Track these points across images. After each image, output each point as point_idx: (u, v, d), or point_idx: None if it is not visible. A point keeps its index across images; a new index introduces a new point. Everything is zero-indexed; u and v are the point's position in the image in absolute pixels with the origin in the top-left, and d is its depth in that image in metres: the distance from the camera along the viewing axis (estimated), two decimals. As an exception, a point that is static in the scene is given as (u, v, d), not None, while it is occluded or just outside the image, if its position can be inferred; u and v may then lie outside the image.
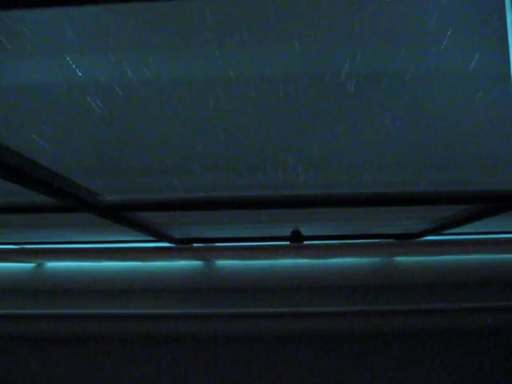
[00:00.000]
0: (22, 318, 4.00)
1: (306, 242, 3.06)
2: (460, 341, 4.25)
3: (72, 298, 4.14)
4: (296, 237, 2.91)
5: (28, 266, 4.02)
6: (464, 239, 3.13)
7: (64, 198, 1.51)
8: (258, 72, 1.03)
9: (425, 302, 4.24)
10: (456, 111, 1.30)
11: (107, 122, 1.31)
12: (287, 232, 3.10)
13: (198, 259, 3.84)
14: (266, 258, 3.89)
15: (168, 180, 1.76)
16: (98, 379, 4.16)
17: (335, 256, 3.87)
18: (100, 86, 1.08)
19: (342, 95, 1.16)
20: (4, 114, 1.17)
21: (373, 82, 1.09)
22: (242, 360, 4.19)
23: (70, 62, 0.99)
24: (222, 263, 4.05)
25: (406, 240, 3.20)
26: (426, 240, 3.07)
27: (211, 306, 4.11)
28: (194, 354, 4.18)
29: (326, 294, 4.25)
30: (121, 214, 1.85)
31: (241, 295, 4.18)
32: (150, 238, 2.88)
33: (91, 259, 3.56)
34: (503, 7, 0.87)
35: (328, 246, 2.95)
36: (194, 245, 2.99)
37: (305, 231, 3.05)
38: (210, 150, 1.52)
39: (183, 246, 2.94)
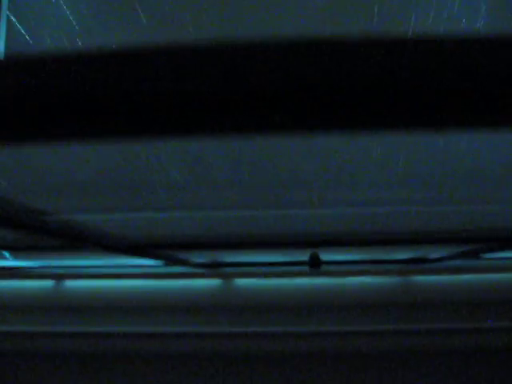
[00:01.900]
0: (40, 336, 4.05)
1: (324, 267, 3.02)
2: (480, 360, 4.16)
3: (90, 316, 4.16)
4: (314, 261, 2.88)
5: (47, 283, 4.06)
6: (485, 265, 3.05)
7: (80, 242, 1.52)
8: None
9: (444, 322, 4.16)
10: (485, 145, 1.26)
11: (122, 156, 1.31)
12: (305, 255, 3.07)
13: (216, 278, 3.83)
14: (284, 277, 3.87)
15: (185, 218, 1.76)
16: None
17: (353, 276, 3.84)
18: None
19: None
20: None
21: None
22: (259, 379, 4.17)
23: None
24: (240, 282, 4.03)
25: (428, 264, 3.14)
26: (449, 265, 3.01)
27: (228, 325, 4.10)
28: (211, 372, 4.18)
29: (345, 313, 4.19)
30: (142, 252, 1.85)
31: (258, 314, 4.15)
32: (169, 263, 2.89)
33: (109, 279, 3.59)
34: None
35: (346, 270, 2.91)
36: (209, 269, 2.99)
37: (323, 255, 3.02)
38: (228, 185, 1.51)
39: (201, 271, 2.94)
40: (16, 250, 2.07)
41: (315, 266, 2.84)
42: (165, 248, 1.87)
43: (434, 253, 3.09)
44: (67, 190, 1.38)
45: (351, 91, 0.43)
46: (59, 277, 3.68)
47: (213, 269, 2.97)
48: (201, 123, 0.44)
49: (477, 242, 2.01)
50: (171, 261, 2.60)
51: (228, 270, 3.04)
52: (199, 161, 1.32)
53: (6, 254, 3.05)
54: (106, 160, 1.32)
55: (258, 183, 1.48)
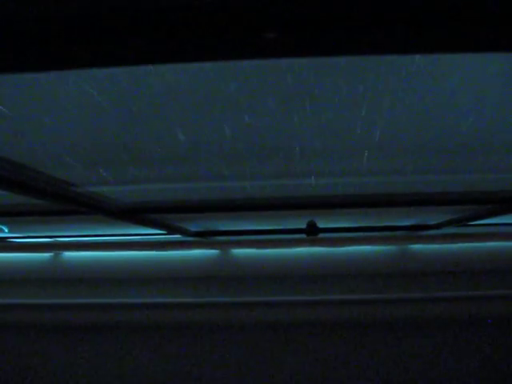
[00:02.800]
0: (39, 308, 4.10)
1: (321, 235, 3.03)
2: (476, 328, 4.23)
3: (87, 288, 4.20)
4: (311, 229, 2.88)
5: (45, 255, 4.08)
6: (481, 232, 3.06)
7: (80, 206, 1.51)
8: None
9: (441, 290, 4.21)
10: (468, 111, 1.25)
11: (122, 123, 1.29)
12: (303, 224, 3.07)
13: (213, 248, 3.85)
14: (282, 247, 3.89)
15: (180, 182, 1.75)
16: (111, 368, 4.26)
17: (351, 245, 3.85)
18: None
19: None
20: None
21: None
22: (256, 348, 4.24)
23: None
24: (238, 252, 4.06)
25: (422, 231, 3.15)
26: (444, 232, 3.02)
27: (226, 295, 4.14)
28: (209, 342, 4.25)
29: (341, 282, 4.24)
30: (136, 216, 1.85)
31: (256, 283, 4.20)
32: (166, 232, 2.89)
33: (107, 250, 3.60)
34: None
35: (343, 238, 2.92)
36: (209, 238, 2.99)
37: (320, 223, 3.02)
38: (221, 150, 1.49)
39: (198, 239, 2.94)
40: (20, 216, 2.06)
41: (312, 233, 2.85)
42: (166, 213, 1.87)
43: (433, 220, 3.10)
44: (80, 163, 1.38)
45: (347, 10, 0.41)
46: (58, 248, 3.68)
47: (212, 237, 2.98)
48: (196, 44, 0.42)
49: (475, 204, 2.02)
50: (170, 229, 2.61)
51: (227, 238, 3.05)
52: (199, 134, 1.30)
53: (4, 227, 3.04)
54: (111, 134, 1.30)
55: (255, 154, 1.46)
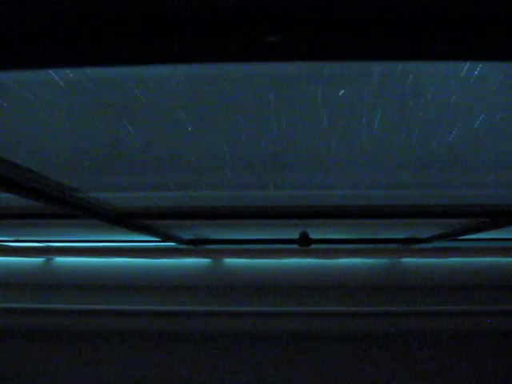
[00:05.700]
0: (30, 312, 4.06)
1: (314, 246, 3.05)
2: (467, 343, 4.23)
3: (79, 293, 4.17)
4: (304, 239, 2.90)
5: (37, 260, 4.05)
6: (472, 247, 3.09)
7: (75, 210, 1.52)
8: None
9: (432, 304, 4.22)
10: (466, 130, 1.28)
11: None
12: (295, 234, 3.09)
13: (206, 257, 3.85)
14: (274, 258, 3.90)
15: (175, 190, 1.76)
16: (102, 374, 4.22)
17: (343, 257, 3.87)
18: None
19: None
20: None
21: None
22: (246, 358, 4.22)
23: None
24: (230, 261, 4.06)
25: (414, 245, 3.18)
26: (435, 246, 3.04)
27: (218, 304, 4.13)
28: (199, 351, 4.22)
29: (334, 294, 4.25)
30: (131, 222, 1.86)
31: (248, 293, 4.19)
32: (159, 239, 2.90)
33: (100, 256, 3.59)
34: None
35: (336, 249, 2.93)
36: (202, 246, 3.00)
37: (313, 234, 3.04)
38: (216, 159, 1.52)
39: (192, 248, 2.94)
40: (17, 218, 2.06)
41: (305, 243, 2.86)
42: (161, 219, 1.89)
43: (425, 234, 3.13)
44: (79, 168, 1.40)
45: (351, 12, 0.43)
46: (50, 253, 3.66)
47: (206, 245, 2.98)
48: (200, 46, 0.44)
49: (466, 218, 2.05)
50: (165, 237, 2.61)
51: (221, 247, 3.05)
52: (194, 142, 1.32)
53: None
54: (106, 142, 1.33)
55: (250, 165, 1.49)
